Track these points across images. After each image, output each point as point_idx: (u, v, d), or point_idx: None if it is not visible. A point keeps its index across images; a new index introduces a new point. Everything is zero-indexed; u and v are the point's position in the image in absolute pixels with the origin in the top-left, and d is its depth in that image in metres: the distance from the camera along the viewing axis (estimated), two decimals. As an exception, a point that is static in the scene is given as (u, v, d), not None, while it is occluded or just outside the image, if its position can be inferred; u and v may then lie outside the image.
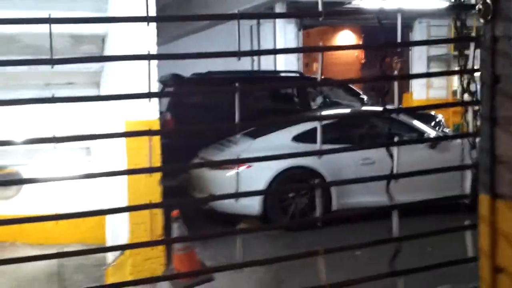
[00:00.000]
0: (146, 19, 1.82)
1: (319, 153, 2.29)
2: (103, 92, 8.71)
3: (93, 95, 8.47)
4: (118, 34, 6.15)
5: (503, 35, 1.80)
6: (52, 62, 1.84)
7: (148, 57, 1.74)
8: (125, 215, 6.23)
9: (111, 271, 7.01)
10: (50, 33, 2.04)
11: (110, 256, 8.33)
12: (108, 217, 9.68)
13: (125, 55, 5.75)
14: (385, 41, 2.43)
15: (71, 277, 8.20)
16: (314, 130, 7.52)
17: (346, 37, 23.85)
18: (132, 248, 5.78)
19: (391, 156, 1.96)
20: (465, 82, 2.04)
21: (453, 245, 2.36)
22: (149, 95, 1.96)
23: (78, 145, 10.74)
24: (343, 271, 3.44)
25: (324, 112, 8.01)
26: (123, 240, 6.44)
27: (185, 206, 6.49)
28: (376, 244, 1.97)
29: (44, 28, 6.62)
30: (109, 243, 9.04)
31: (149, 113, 5.87)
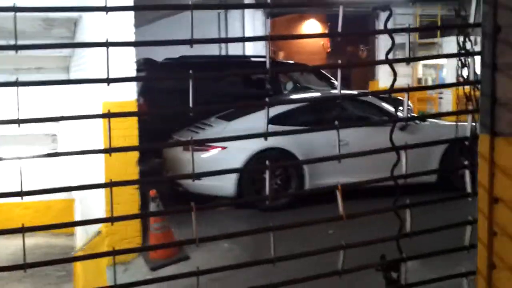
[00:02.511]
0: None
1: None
2: (73, 77, 8.64)
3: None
4: (92, 18, 6.10)
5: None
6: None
7: (107, 44, 1.95)
8: (101, 198, 6.21)
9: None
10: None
11: (79, 242, 8.27)
12: (78, 205, 9.62)
13: (85, 42, 5.80)
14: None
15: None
16: (288, 112, 7.65)
17: (312, 26, 23.94)
18: (110, 221, 5.75)
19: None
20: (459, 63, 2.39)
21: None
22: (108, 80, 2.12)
23: (43, 132, 10.63)
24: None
25: (296, 96, 8.07)
26: (97, 225, 6.40)
27: (161, 187, 6.51)
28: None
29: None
30: (78, 231, 8.97)
31: (127, 94, 5.88)
